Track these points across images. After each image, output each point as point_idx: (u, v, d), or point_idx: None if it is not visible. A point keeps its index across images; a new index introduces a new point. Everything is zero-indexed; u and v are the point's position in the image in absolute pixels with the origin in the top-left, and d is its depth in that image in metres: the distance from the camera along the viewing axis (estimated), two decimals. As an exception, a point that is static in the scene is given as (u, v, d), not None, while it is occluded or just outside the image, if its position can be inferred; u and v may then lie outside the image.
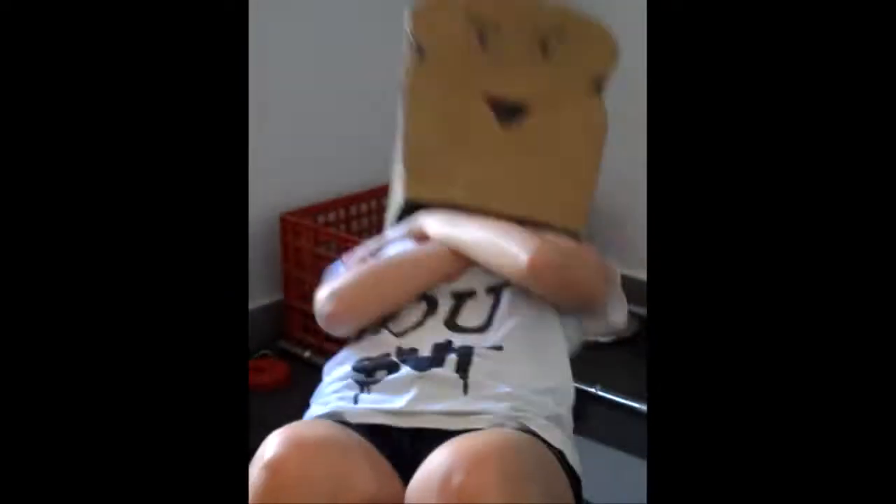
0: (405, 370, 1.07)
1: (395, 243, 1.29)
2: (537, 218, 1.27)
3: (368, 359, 1.12)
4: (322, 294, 1.19)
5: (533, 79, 1.31)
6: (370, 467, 0.99)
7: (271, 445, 0.96)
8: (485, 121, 1.30)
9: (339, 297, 1.18)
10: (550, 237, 1.22)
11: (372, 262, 1.25)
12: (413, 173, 1.31)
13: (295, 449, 0.95)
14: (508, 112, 1.31)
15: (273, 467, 0.94)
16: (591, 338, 2.00)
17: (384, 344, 1.14)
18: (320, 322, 1.21)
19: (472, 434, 1.00)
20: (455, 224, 1.24)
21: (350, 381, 1.10)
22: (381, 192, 1.83)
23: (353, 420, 1.06)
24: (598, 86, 1.32)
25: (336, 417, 1.07)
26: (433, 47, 1.30)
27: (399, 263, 1.24)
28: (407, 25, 1.30)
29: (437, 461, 0.94)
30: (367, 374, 1.10)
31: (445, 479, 0.91)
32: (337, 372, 1.14)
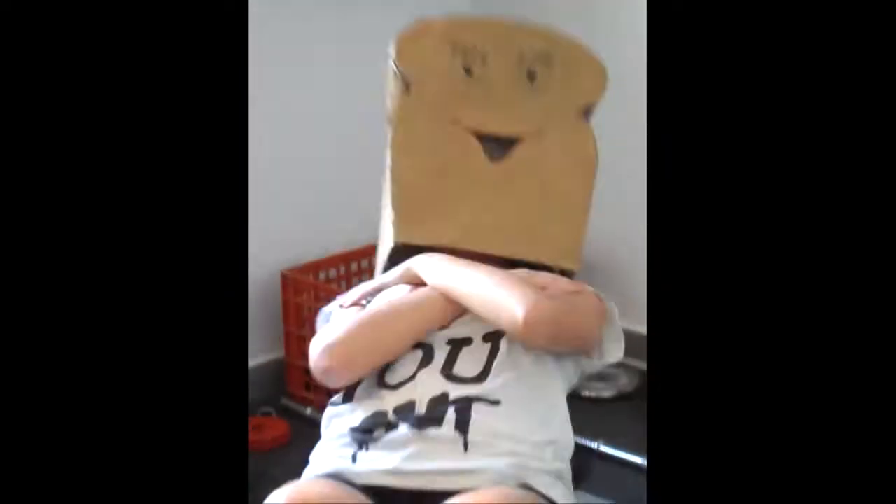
0: (403, 428, 1.07)
1: (387, 286, 1.27)
2: (532, 259, 1.25)
3: (367, 417, 1.12)
4: (316, 346, 1.18)
5: (521, 111, 1.28)
6: None
7: None
8: (474, 157, 1.26)
9: (333, 351, 1.16)
10: (545, 279, 1.21)
11: (366, 311, 1.22)
12: (402, 216, 1.26)
13: None
14: (498, 145, 1.27)
15: None
16: (591, 387, 2.02)
17: (380, 398, 1.14)
18: (315, 374, 1.19)
19: (473, 493, 0.99)
20: (450, 273, 1.21)
21: (349, 439, 1.10)
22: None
23: (355, 480, 1.06)
24: (587, 114, 1.29)
25: (336, 476, 1.07)
26: (419, 80, 1.27)
27: (394, 312, 1.21)
28: (391, 56, 1.27)
29: None
30: (364, 433, 1.09)
31: None
32: (336, 428, 1.14)
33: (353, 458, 1.08)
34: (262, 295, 2.02)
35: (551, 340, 1.17)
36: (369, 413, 1.12)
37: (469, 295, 1.18)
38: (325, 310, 1.30)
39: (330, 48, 2.10)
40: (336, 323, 1.22)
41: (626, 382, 2.08)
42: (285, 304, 2.01)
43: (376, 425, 1.10)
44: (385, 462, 1.07)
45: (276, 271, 2.02)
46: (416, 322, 1.19)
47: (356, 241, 2.08)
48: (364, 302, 1.25)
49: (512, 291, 1.14)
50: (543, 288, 1.19)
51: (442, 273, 1.20)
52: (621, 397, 2.04)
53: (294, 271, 2.02)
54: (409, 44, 1.28)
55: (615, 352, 1.23)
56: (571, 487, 1.17)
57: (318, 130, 2.10)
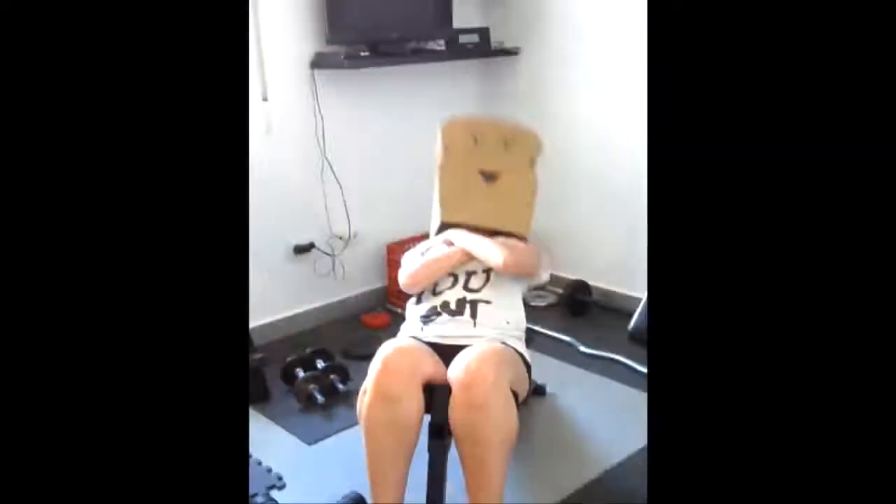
0: (444, 316, 1.97)
1: (435, 245, 2.17)
2: (506, 229, 2.21)
3: (427, 310, 2.02)
4: (401, 275, 2.13)
5: (500, 161, 2.25)
6: (431, 360, 1.75)
7: (384, 349, 1.74)
8: (478, 182, 2.26)
9: (407, 278, 2.10)
10: (512, 242, 2.11)
11: (424, 258, 2.10)
12: (445, 209, 2.28)
13: (395, 350, 1.73)
14: (490, 177, 2.26)
15: (385, 359, 1.70)
16: (533, 292, 3.28)
17: (432, 300, 2.04)
18: (402, 288, 2.15)
19: (478, 345, 1.77)
20: (465, 239, 2.11)
21: (418, 320, 2.01)
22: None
23: (423, 339, 1.93)
24: (532, 162, 2.28)
25: (413, 338, 1.93)
26: (452, 147, 2.28)
27: (436, 260, 2.09)
28: (438, 135, 2.30)
29: (462, 357, 1.69)
30: (426, 317, 2.00)
31: (468, 365, 1.65)
32: (412, 315, 2.07)
33: (421, 329, 1.97)
34: (377, 257, 3.49)
35: (515, 273, 2.08)
36: (428, 307, 2.03)
37: (475, 251, 2.08)
38: (405, 255, 2.25)
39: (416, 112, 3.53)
40: (410, 263, 2.13)
41: (552, 299, 3.46)
42: (389, 261, 3.46)
43: (431, 313, 2.01)
44: (436, 331, 1.94)
45: (384, 244, 3.49)
46: (447, 264, 2.10)
47: (424, 228, 2.84)
48: (423, 252, 2.18)
49: (495, 250, 2.04)
50: (512, 246, 2.07)
51: (462, 239, 2.13)
52: (549, 306, 3.42)
53: (393, 244, 3.46)
54: (447, 130, 2.32)
55: (545, 277, 2.35)
56: (525, 345, 2.05)
57: (412, 162, 3.50)
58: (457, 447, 1.66)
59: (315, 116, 3.12)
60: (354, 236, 3.36)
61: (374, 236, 3.48)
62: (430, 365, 1.74)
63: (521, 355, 1.95)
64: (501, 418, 1.62)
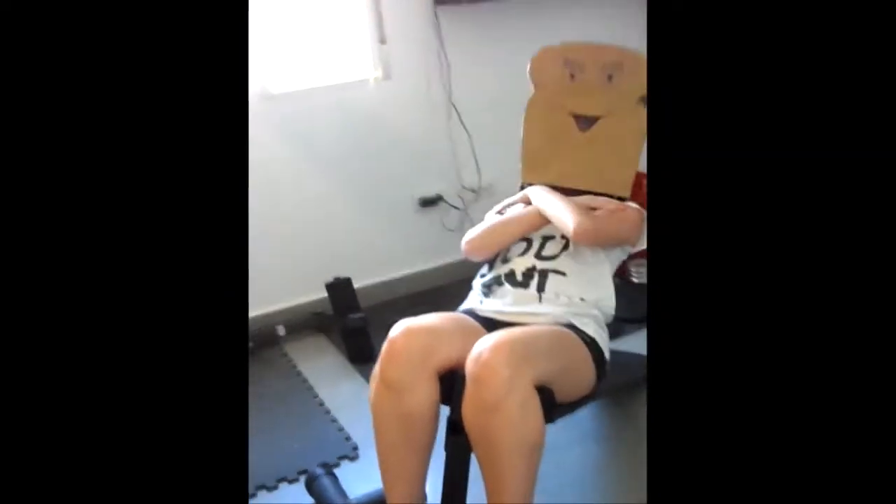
0: (507, 287, 1.68)
1: (515, 204, 1.88)
2: (599, 190, 1.85)
3: (490, 278, 1.73)
4: (465, 238, 1.80)
5: (602, 100, 1.86)
6: (459, 341, 1.45)
7: (392, 330, 1.47)
8: (570, 129, 1.88)
9: (470, 243, 1.78)
10: (602, 201, 1.78)
11: (496, 220, 1.81)
12: (525, 167, 1.96)
13: (402, 331, 1.46)
14: (586, 122, 1.87)
15: (391, 342, 1.45)
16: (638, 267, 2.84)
17: (498, 268, 1.74)
18: (465, 255, 1.81)
19: (513, 328, 1.45)
20: (542, 199, 1.77)
21: (480, 291, 1.74)
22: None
23: (479, 314, 1.67)
24: (642, 101, 1.83)
25: (469, 312, 1.69)
26: (541, 84, 1.93)
27: (507, 222, 1.79)
28: (528, 70, 1.93)
29: (481, 342, 1.37)
30: (487, 287, 1.73)
31: (480, 355, 1.34)
32: (476, 284, 1.78)
33: (481, 302, 1.71)
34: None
35: (593, 243, 1.71)
36: (491, 276, 1.74)
37: (549, 214, 1.74)
38: (487, 214, 1.93)
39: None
40: (481, 225, 1.81)
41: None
42: None
43: (494, 283, 1.71)
44: (495, 305, 1.66)
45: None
46: (519, 228, 1.78)
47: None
48: (503, 211, 1.89)
49: (570, 214, 1.68)
50: (596, 208, 1.74)
51: (538, 199, 1.80)
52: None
53: None
54: (538, 62, 1.95)
55: (644, 243, 1.79)
56: (605, 329, 1.69)
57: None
58: (472, 447, 1.38)
59: (439, 58, 2.88)
60: (487, 188, 3.10)
61: (508, 188, 3.11)
62: (454, 347, 1.45)
63: (591, 341, 1.60)
64: (518, 421, 1.31)
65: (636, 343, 2.39)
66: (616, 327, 2.50)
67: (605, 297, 1.71)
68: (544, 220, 1.77)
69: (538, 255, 1.73)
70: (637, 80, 1.84)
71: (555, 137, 1.90)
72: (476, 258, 1.82)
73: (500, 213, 1.87)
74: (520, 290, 1.67)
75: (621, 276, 2.97)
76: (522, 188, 1.94)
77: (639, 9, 3.21)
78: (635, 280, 2.94)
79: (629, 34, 3.18)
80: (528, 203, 1.83)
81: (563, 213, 1.70)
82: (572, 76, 1.90)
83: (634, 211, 1.78)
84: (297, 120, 2.76)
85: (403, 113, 2.93)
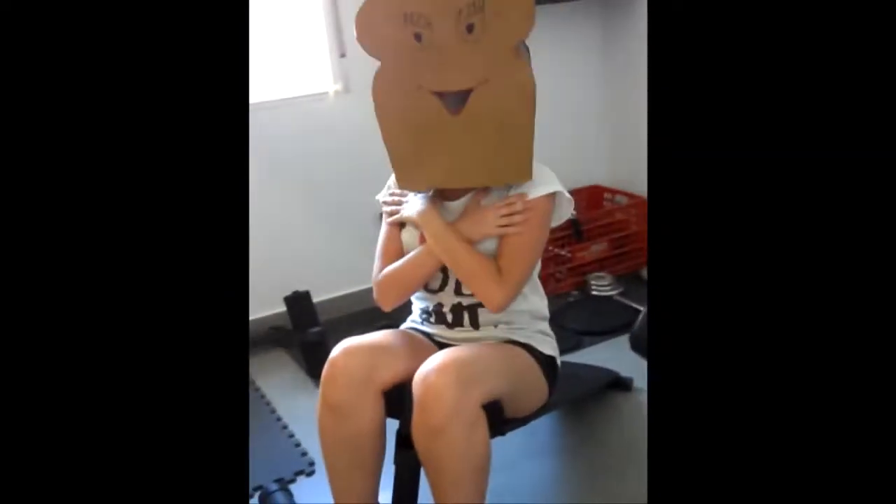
0: (441, 326, 1.58)
1: (408, 198, 1.56)
2: (493, 185, 1.49)
3: (422, 308, 1.62)
4: (374, 287, 1.56)
5: (466, 65, 1.34)
6: (402, 357, 1.41)
7: (333, 350, 1.43)
8: (437, 113, 1.38)
9: (380, 299, 1.56)
10: (500, 221, 1.44)
11: (398, 266, 1.53)
12: (397, 169, 1.50)
13: (342, 351, 1.42)
14: (455, 99, 1.37)
15: (331, 363, 1.41)
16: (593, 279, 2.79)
17: (429, 299, 1.59)
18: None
19: (458, 347, 1.43)
20: (442, 252, 1.47)
21: (419, 315, 1.65)
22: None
23: (424, 331, 1.63)
24: (519, 50, 1.36)
25: (417, 328, 1.64)
26: (383, 52, 1.38)
27: (413, 270, 1.52)
28: (355, 33, 1.37)
29: (428, 363, 1.33)
30: (424, 314, 1.63)
31: (426, 377, 1.30)
32: (415, 305, 1.67)
33: (423, 325, 1.65)
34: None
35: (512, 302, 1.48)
36: (423, 306, 1.63)
37: (455, 271, 1.51)
38: (383, 208, 1.62)
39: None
40: (381, 264, 1.57)
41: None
42: None
43: (428, 313, 1.61)
44: (437, 330, 1.60)
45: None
46: (425, 273, 1.53)
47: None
48: (391, 209, 1.59)
49: (478, 284, 1.45)
50: (503, 234, 1.46)
51: (431, 237, 1.49)
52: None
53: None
54: (364, 22, 1.35)
55: (566, 214, 1.54)
56: (551, 335, 1.62)
57: None
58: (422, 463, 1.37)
59: (400, 72, 2.87)
60: (448, 201, 3.09)
61: None
62: (399, 363, 1.44)
63: (539, 353, 1.58)
64: (464, 444, 1.30)
65: (596, 356, 2.40)
66: (576, 340, 2.53)
67: (537, 302, 1.61)
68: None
69: (458, 292, 1.55)
70: (507, 22, 1.32)
71: (420, 128, 1.40)
72: (385, 308, 1.59)
73: (388, 214, 1.61)
74: (455, 330, 1.59)
75: (580, 289, 2.99)
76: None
77: (601, 24, 3.26)
78: (594, 293, 2.95)
79: (587, 50, 3.25)
80: (420, 236, 1.53)
81: (470, 282, 1.48)
82: (418, 37, 1.34)
83: (541, 203, 1.46)
84: (256, 132, 2.73)
85: (363, 126, 2.87)
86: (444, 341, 1.61)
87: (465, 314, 1.56)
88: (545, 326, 1.62)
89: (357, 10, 1.39)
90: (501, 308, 1.45)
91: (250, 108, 2.69)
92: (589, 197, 3.37)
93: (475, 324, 1.55)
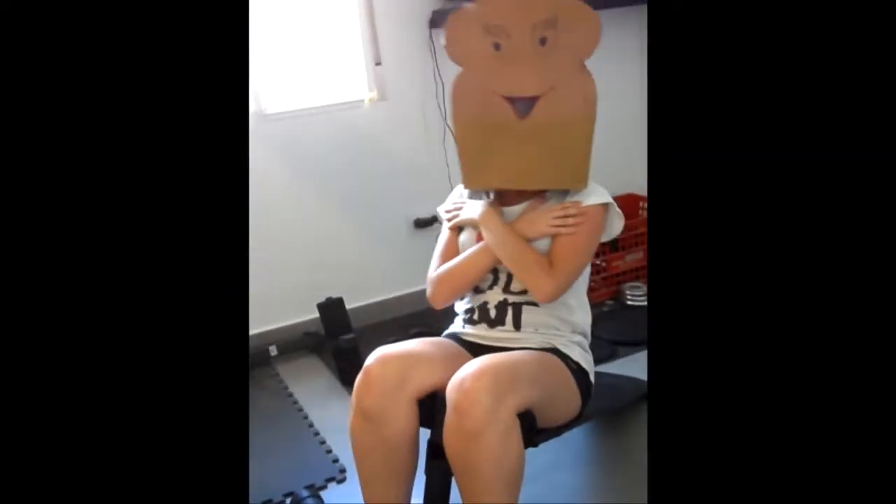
0: (483, 325, 1.61)
1: (467, 205, 1.65)
2: (551, 188, 1.59)
3: (466, 309, 1.66)
4: (428, 285, 1.64)
5: (536, 73, 1.49)
6: (438, 365, 1.42)
7: (368, 358, 1.44)
8: (507, 117, 1.51)
9: (432, 296, 1.63)
10: (554, 222, 1.52)
11: (453, 264, 1.61)
12: (465, 171, 1.60)
13: (377, 360, 1.43)
14: (524, 105, 1.51)
15: (366, 370, 1.42)
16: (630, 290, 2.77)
17: (475, 299, 1.65)
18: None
19: (496, 353, 1.41)
20: (497, 248, 1.55)
21: (462, 318, 1.68)
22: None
23: (462, 338, 1.64)
24: (585, 65, 1.51)
25: (453, 336, 1.66)
26: (466, 59, 1.53)
27: (467, 268, 1.60)
28: (443, 45, 1.55)
29: (464, 369, 1.34)
30: (469, 315, 1.66)
31: (462, 382, 1.31)
32: (459, 309, 1.71)
33: (463, 327, 1.66)
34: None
35: (561, 296, 1.55)
36: (468, 306, 1.66)
37: (510, 268, 1.57)
38: (439, 237, 1.71)
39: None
40: (437, 262, 1.66)
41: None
42: None
43: (472, 311, 1.65)
44: (478, 331, 1.62)
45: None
46: (478, 271, 1.61)
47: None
48: (451, 217, 1.69)
49: (530, 277, 1.52)
50: (556, 252, 1.53)
51: (492, 246, 1.57)
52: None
53: None
54: (452, 33, 1.53)
55: (617, 230, 1.63)
56: (589, 352, 1.64)
57: None
58: (453, 473, 1.36)
59: (435, 79, 2.88)
60: (482, 209, 3.09)
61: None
62: (433, 372, 1.43)
63: (575, 365, 1.57)
64: (499, 450, 1.28)
65: (630, 367, 2.37)
66: (610, 350, 2.50)
67: (582, 320, 1.65)
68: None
69: (507, 290, 1.62)
70: (577, 38, 1.47)
71: (491, 130, 1.54)
72: (436, 307, 1.67)
73: (449, 220, 1.71)
74: (498, 328, 1.62)
75: (615, 299, 2.96)
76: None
77: (637, 36, 3.23)
78: (629, 303, 2.91)
79: (625, 61, 3.22)
80: (476, 227, 1.62)
81: (523, 274, 1.54)
82: (497, 46, 1.49)
83: (593, 211, 1.55)
84: (291, 140, 2.76)
85: (398, 134, 2.93)
86: (482, 342, 1.61)
87: (509, 311, 1.60)
88: (584, 342, 1.65)
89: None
90: (551, 298, 1.52)
91: (285, 116, 2.72)
92: (624, 206, 3.27)
93: (517, 324, 1.59)
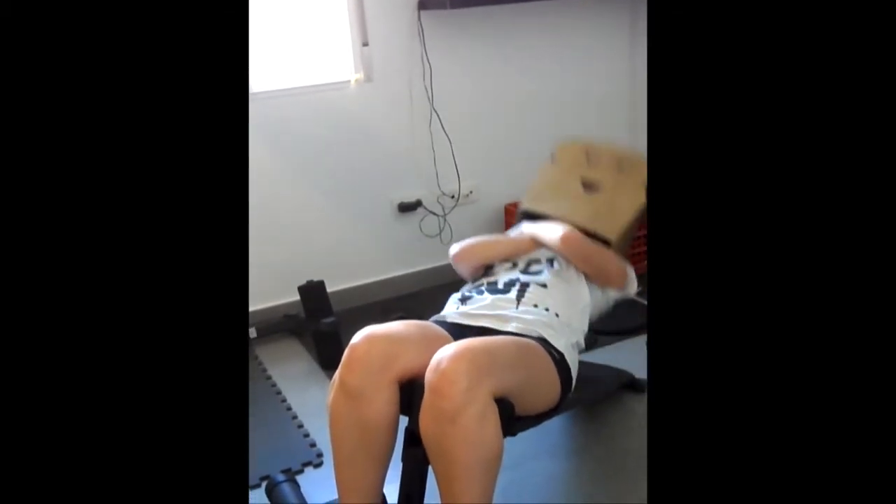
0: (486, 294, 1.72)
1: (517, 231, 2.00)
2: (590, 227, 1.99)
3: (469, 287, 1.79)
4: (453, 247, 1.95)
5: (609, 177, 2.11)
6: (422, 350, 1.40)
7: (354, 337, 1.43)
8: (576, 187, 2.14)
9: (459, 250, 1.92)
10: (592, 243, 1.87)
11: (486, 237, 1.97)
12: (529, 195, 2.19)
13: (364, 338, 1.43)
14: (591, 187, 2.12)
15: (351, 348, 1.42)
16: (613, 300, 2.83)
17: (482, 280, 1.81)
18: (453, 264, 1.98)
19: (475, 338, 1.42)
20: (535, 226, 1.92)
21: (457, 300, 1.75)
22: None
23: (446, 320, 1.68)
24: (643, 185, 2.06)
25: (440, 320, 1.69)
26: (562, 160, 2.22)
27: (500, 239, 1.96)
28: (554, 151, 2.26)
29: (442, 351, 1.33)
30: (466, 296, 1.75)
31: (438, 363, 1.31)
32: (454, 296, 1.80)
33: (457, 308, 1.70)
34: (494, 219, 3.19)
35: (580, 258, 1.81)
36: (472, 286, 1.79)
37: (539, 234, 1.90)
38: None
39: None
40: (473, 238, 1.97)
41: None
42: (508, 224, 3.15)
43: (474, 291, 1.75)
44: (469, 308, 1.67)
45: (503, 204, 3.18)
46: (509, 247, 1.91)
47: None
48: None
49: (560, 227, 1.85)
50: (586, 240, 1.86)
51: (532, 227, 1.94)
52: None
53: (513, 205, 3.13)
54: (562, 149, 2.25)
55: (631, 290, 1.90)
56: (576, 349, 1.69)
57: (538, 114, 3.19)
58: (429, 459, 1.34)
59: (422, 62, 2.85)
60: (469, 195, 3.07)
61: (492, 195, 3.16)
62: (416, 355, 1.41)
63: (559, 355, 1.57)
64: (475, 434, 1.27)
65: (611, 355, 2.37)
66: (591, 339, 2.49)
67: (578, 322, 1.71)
68: (534, 247, 1.90)
69: (523, 271, 1.81)
70: (638, 173, 2.07)
71: (562, 187, 2.14)
72: (462, 266, 1.93)
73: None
74: (498, 295, 1.70)
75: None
76: (520, 217, 2.14)
77: (629, 18, 3.21)
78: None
79: (613, 39, 3.20)
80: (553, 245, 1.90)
81: (553, 229, 1.87)
82: (588, 160, 2.17)
83: (618, 259, 1.88)
84: (275, 119, 2.72)
85: (384, 116, 2.90)
86: (468, 323, 1.63)
87: (516, 285, 1.73)
88: (575, 342, 1.69)
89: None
90: (569, 236, 1.84)
91: (270, 95, 2.68)
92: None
93: (521, 294, 1.70)
